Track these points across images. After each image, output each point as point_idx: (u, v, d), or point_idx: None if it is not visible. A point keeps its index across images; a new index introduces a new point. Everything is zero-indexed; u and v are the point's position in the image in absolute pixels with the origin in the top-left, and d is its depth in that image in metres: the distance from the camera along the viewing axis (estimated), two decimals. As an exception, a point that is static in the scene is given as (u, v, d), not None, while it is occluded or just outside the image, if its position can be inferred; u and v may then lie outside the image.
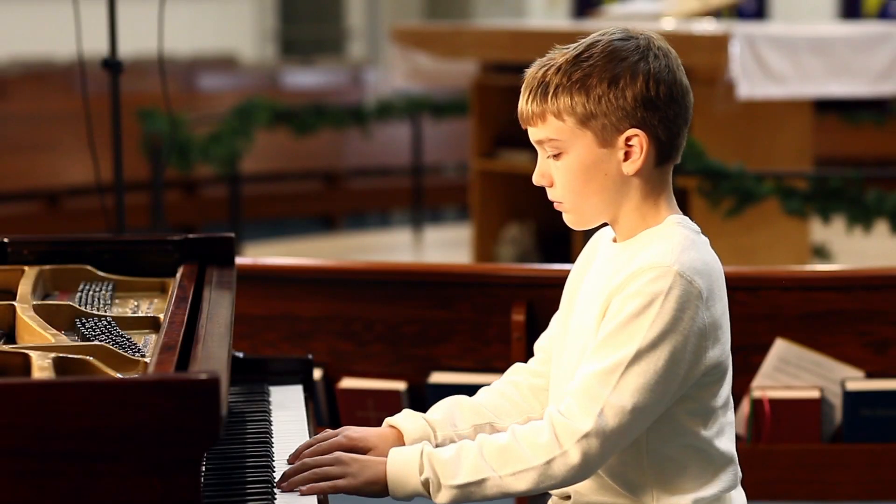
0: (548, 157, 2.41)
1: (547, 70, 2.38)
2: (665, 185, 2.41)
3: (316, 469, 2.32)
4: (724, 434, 2.42)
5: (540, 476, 2.30)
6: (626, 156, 2.36)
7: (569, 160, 2.38)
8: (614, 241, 2.45)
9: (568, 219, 2.45)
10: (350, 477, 2.32)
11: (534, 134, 2.42)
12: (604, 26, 2.47)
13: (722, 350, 2.36)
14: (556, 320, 2.59)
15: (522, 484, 2.31)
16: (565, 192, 2.41)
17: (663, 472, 2.38)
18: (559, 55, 2.39)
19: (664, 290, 2.28)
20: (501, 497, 2.34)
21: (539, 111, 2.38)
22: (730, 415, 2.44)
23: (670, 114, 2.36)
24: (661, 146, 2.37)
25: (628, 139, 2.35)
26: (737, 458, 2.46)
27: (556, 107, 2.36)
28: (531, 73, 2.41)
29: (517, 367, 2.64)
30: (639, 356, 2.28)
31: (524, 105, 2.41)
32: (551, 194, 2.43)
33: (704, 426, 2.37)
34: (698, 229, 2.42)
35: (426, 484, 2.32)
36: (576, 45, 2.40)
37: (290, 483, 2.29)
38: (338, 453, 2.36)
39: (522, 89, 2.42)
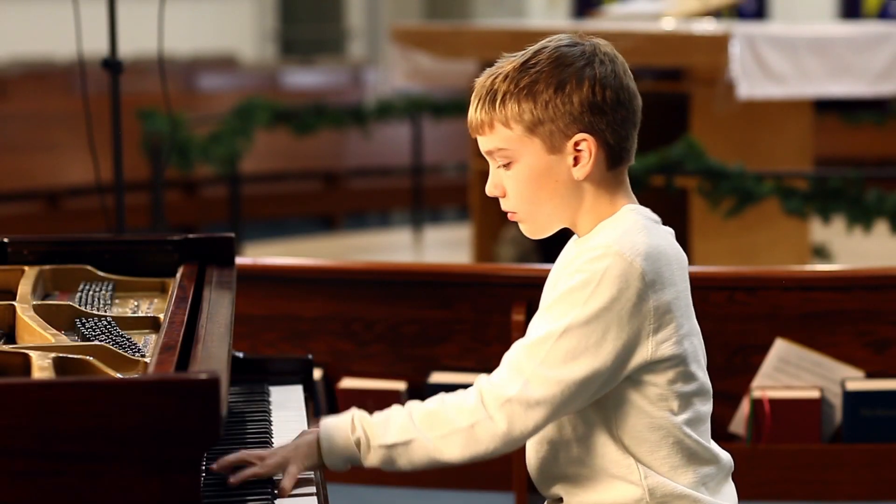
0: (498, 167, 2.43)
1: (495, 78, 2.40)
2: (620, 184, 2.43)
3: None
4: (704, 423, 2.42)
5: (466, 440, 2.31)
6: (576, 161, 2.38)
7: (519, 169, 2.40)
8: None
9: (524, 228, 2.47)
10: (276, 457, 2.31)
11: (483, 144, 2.44)
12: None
13: (674, 334, 2.34)
14: None
15: (451, 449, 2.32)
16: (518, 202, 2.42)
17: (642, 455, 2.37)
18: (507, 63, 2.41)
19: (602, 268, 2.31)
20: (430, 464, 2.34)
21: (487, 119, 2.40)
22: (708, 405, 2.43)
23: (618, 118, 2.38)
24: (610, 150, 2.39)
25: (577, 144, 2.37)
26: (722, 451, 2.46)
27: (503, 115, 2.38)
28: (480, 82, 2.43)
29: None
30: (569, 330, 2.30)
31: (473, 114, 2.43)
32: (504, 205, 2.45)
33: (673, 411, 2.37)
34: (657, 218, 2.44)
35: (357, 444, 2.34)
36: (523, 52, 2.42)
37: (219, 465, 2.28)
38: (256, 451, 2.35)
39: (472, 98, 2.44)
